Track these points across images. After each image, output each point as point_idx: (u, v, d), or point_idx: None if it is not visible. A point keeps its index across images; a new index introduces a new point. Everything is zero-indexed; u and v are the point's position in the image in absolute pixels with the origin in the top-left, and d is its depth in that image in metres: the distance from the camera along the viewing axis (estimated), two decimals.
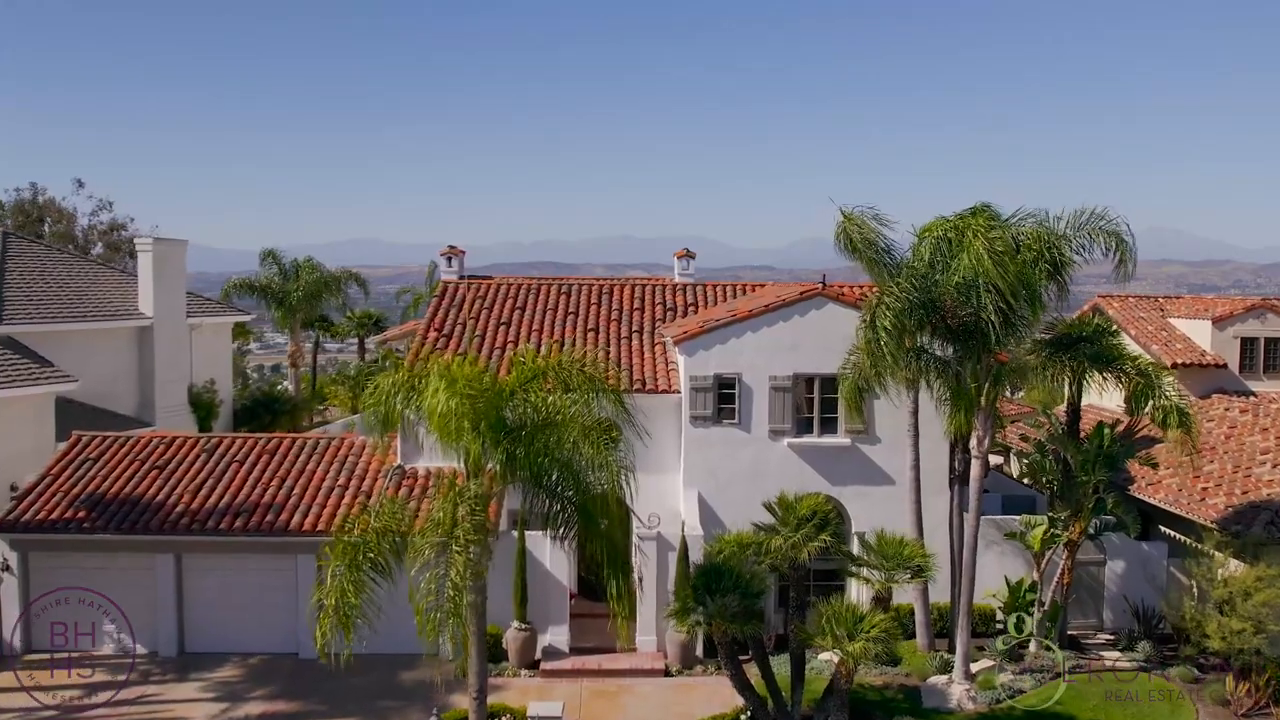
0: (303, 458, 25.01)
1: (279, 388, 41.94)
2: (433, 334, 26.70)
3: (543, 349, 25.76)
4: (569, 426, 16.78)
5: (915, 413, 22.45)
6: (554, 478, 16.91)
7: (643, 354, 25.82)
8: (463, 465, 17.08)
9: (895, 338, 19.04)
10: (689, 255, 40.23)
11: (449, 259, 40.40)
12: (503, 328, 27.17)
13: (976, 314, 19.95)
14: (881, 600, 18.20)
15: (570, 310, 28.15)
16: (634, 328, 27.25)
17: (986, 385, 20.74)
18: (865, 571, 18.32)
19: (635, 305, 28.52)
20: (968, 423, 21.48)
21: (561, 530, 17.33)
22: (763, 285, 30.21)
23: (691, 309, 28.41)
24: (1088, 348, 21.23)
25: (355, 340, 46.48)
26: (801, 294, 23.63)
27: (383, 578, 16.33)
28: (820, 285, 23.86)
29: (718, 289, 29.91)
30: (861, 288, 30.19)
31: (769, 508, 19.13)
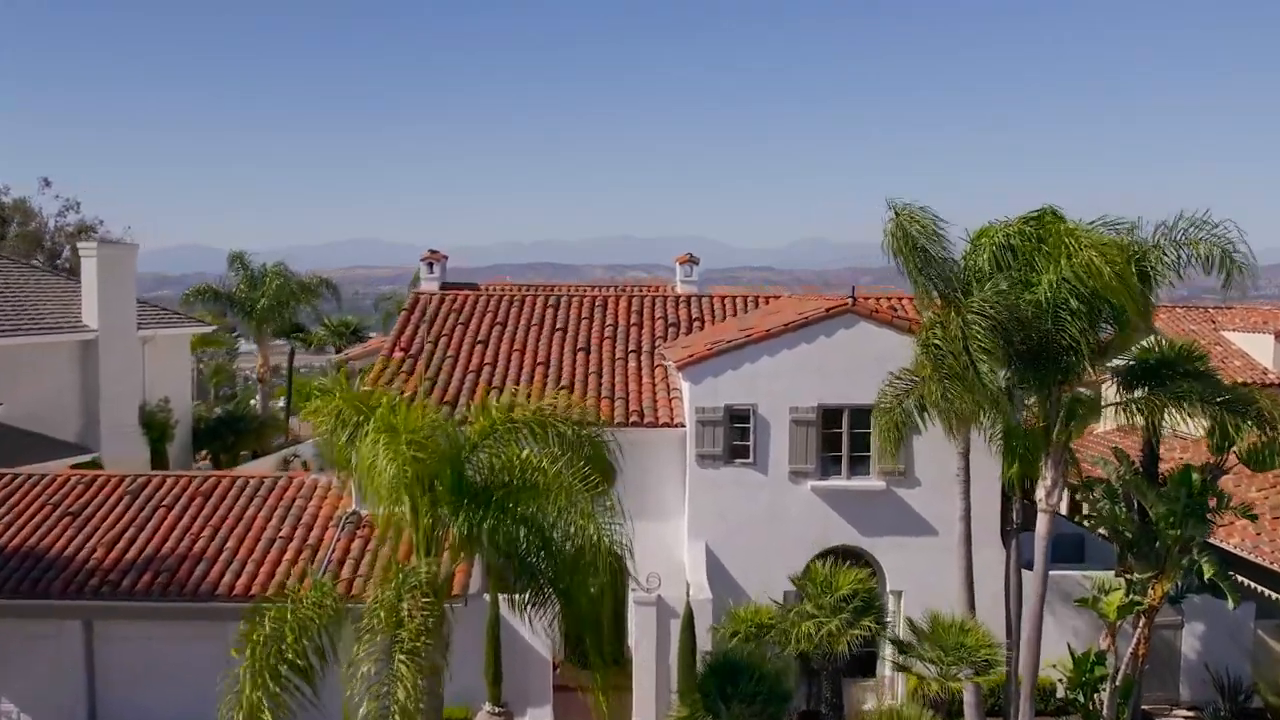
0: (242, 501, 21.00)
1: (251, 403, 38.06)
2: (397, 354, 22.74)
3: (523, 376, 21.85)
4: (549, 492, 12.93)
5: (966, 453, 18.48)
6: (530, 549, 13.12)
7: (640, 379, 21.85)
8: (412, 536, 13.26)
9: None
10: (692, 261, 36.26)
11: (430, 265, 36.46)
12: (479, 347, 23.19)
13: (1052, 336, 16.11)
14: (939, 705, 14.31)
15: (558, 326, 24.17)
16: (630, 346, 23.27)
17: (1059, 422, 16.87)
18: (918, 666, 14.45)
19: (632, 320, 24.55)
20: (1033, 466, 17.64)
21: (541, 610, 13.59)
22: (776, 296, 26.25)
23: (696, 324, 24.45)
24: (1184, 382, 17.23)
25: (334, 350, 42.60)
26: (828, 311, 19.68)
27: (306, 680, 12.51)
28: (849, 300, 19.91)
29: (725, 301, 25.93)
30: (889, 299, 26.28)
31: (798, 585, 15.23)
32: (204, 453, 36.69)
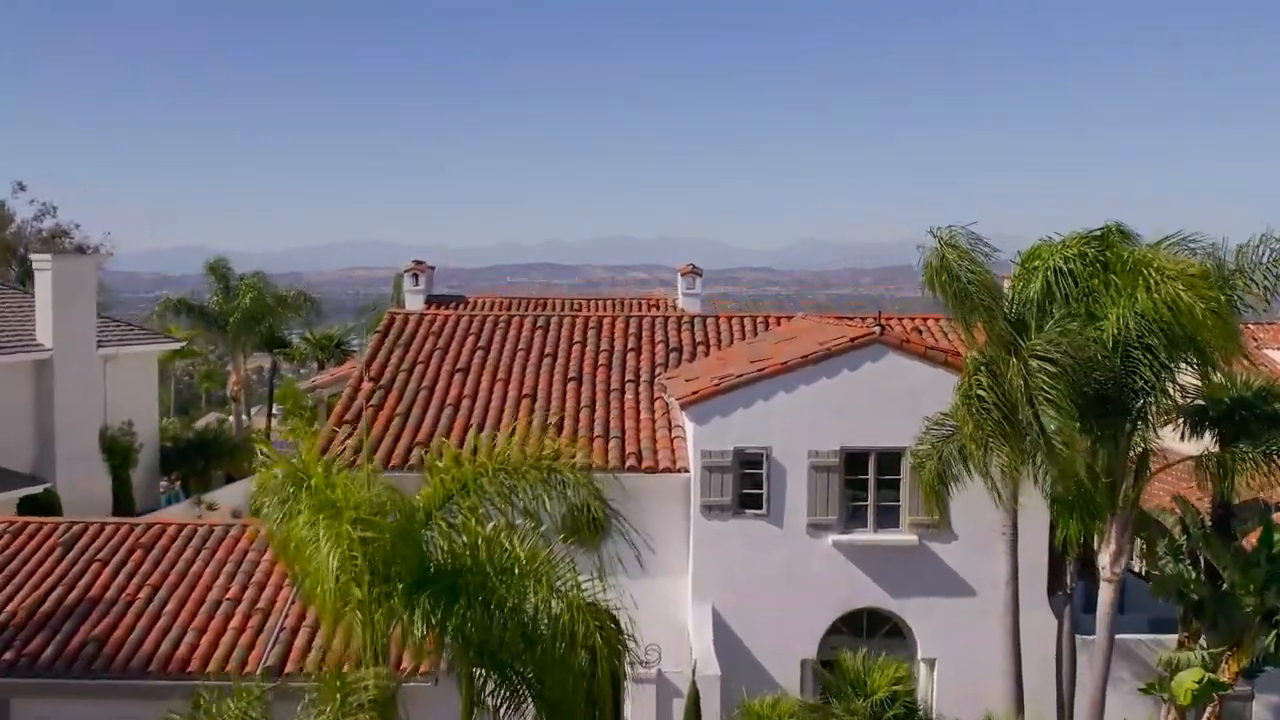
0: (188, 554, 18.36)
1: (226, 424, 35.54)
2: (366, 385, 20.18)
3: (507, 410, 19.31)
4: (528, 578, 10.48)
5: (1014, 509, 15.91)
6: (506, 647, 10.68)
7: (638, 414, 19.29)
8: (359, 634, 10.78)
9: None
10: (695, 272, 33.80)
11: (415, 276, 33.91)
12: (458, 376, 20.62)
13: (1121, 378, 13.61)
14: None
15: (547, 351, 21.59)
16: (627, 375, 20.70)
17: (1127, 476, 14.35)
18: None
19: (629, 344, 21.97)
20: (1092, 524, 15.15)
21: (517, 708, 11.20)
22: (788, 317, 23.65)
23: (701, 349, 21.87)
24: (1275, 432, 14.65)
25: (316, 365, 40.06)
26: (852, 341, 17.13)
27: None
28: (876, 329, 17.35)
29: (733, 322, 23.33)
30: (914, 319, 23.73)
31: (822, 678, 12.71)
32: (173, 477, 34.16)
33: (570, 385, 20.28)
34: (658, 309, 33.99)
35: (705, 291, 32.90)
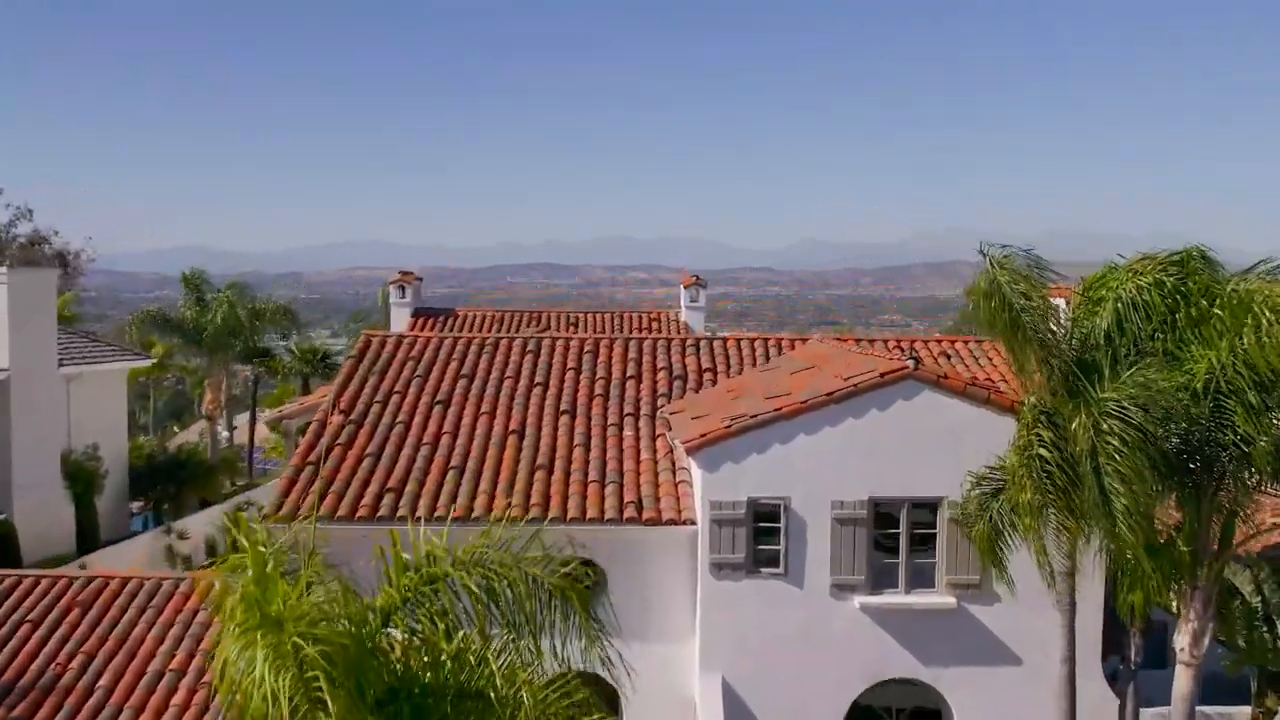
0: (130, 614, 16.18)
1: (202, 444, 33.23)
2: (335, 419, 17.97)
3: (490, 450, 17.13)
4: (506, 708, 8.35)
5: (1072, 573, 13.71)
6: None
7: (637, 454, 17.08)
8: None
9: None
10: (698, 283, 31.69)
11: (401, 288, 31.83)
12: (438, 409, 18.40)
13: (1208, 430, 11.45)
14: None
15: (537, 380, 19.38)
16: (626, 408, 18.50)
17: (1212, 542, 12.20)
18: None
19: (629, 371, 19.77)
20: (1162, 592, 13.00)
21: None
22: (804, 339, 21.42)
23: (707, 376, 19.67)
24: None
25: (300, 379, 37.84)
26: (883, 377, 14.92)
27: None
28: (910, 361, 15.13)
29: (742, 345, 21.11)
30: (938, 342, 21.56)
31: None
32: (145, 500, 31.98)
33: (563, 419, 18.08)
34: (659, 324, 31.91)
35: (707, 304, 31.04)
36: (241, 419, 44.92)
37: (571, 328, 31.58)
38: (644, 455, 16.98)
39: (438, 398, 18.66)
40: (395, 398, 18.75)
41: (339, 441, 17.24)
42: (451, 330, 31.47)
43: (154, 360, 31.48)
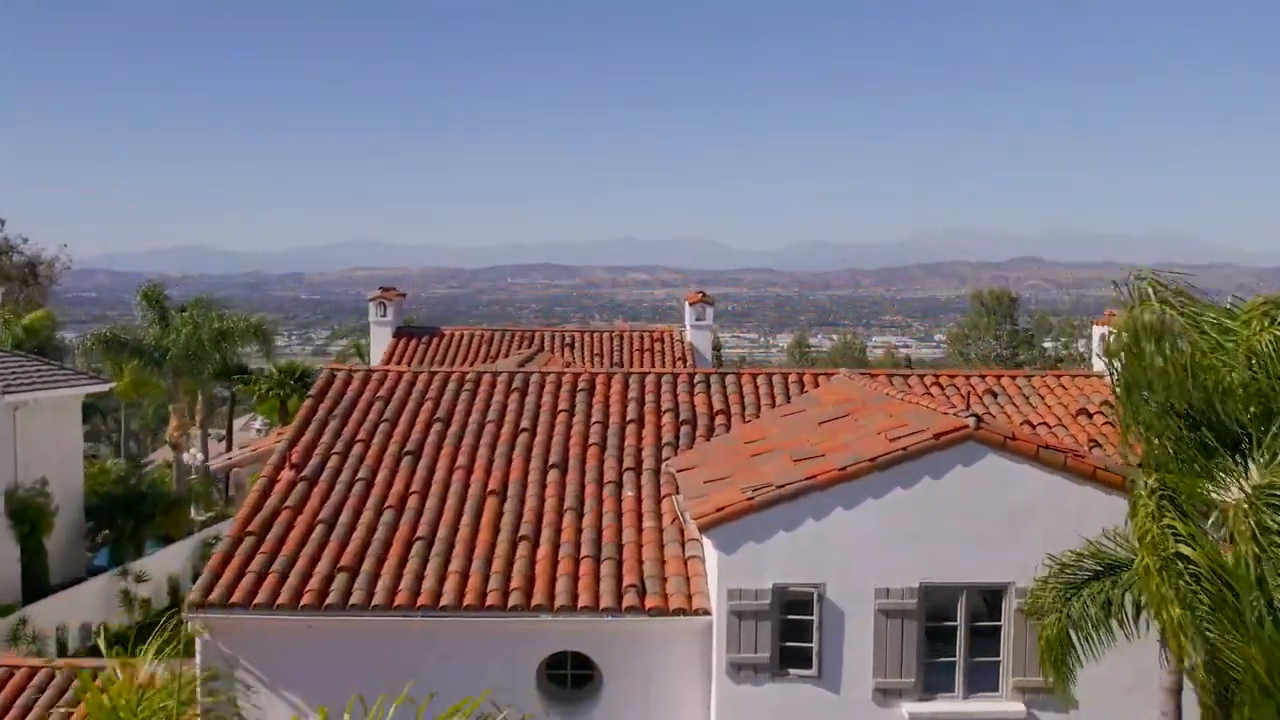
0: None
1: (166, 474, 30.49)
2: (285, 475, 15.21)
3: (465, 514, 14.40)
4: None
5: (1178, 688, 10.97)
6: None
7: (639, 520, 14.32)
8: None
9: None
10: (705, 300, 28.95)
11: (382, 305, 29.08)
12: (407, 461, 15.63)
13: None
14: None
15: (523, 426, 16.61)
16: (625, 460, 15.72)
17: None
18: None
19: (628, 414, 17.00)
20: None
21: None
22: (831, 373, 18.63)
23: (720, 419, 16.91)
24: None
25: (280, 401, 35.07)
26: (938, 438, 12.17)
27: None
28: (970, 418, 12.37)
29: (758, 381, 18.29)
30: (981, 376, 18.84)
31: None
32: (104, 534, 29.28)
33: (552, 474, 15.33)
34: (662, 345, 29.22)
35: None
36: (214, 447, 42.27)
37: (567, 348, 28.87)
38: (647, 522, 14.22)
39: (407, 447, 15.91)
40: (358, 446, 16.00)
41: (287, 504, 14.49)
42: (437, 352, 28.80)
43: (112, 386, 28.73)
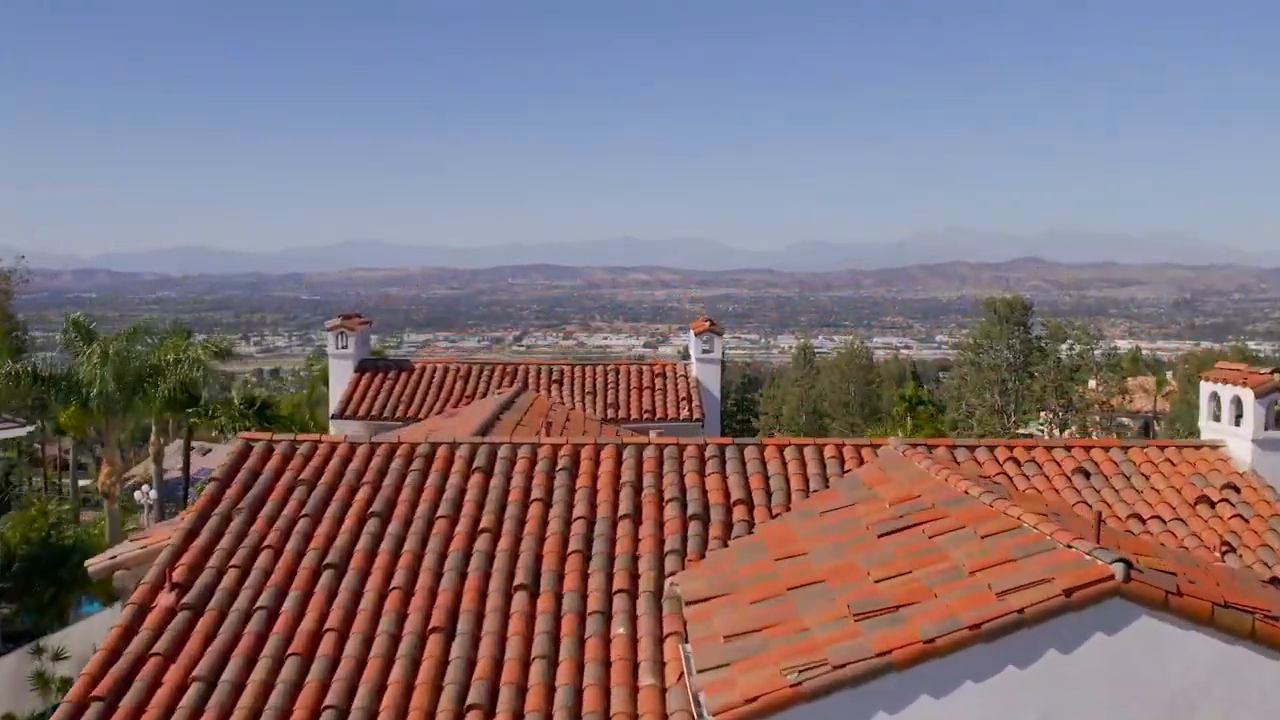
0: None
1: (96, 528, 26.42)
2: (164, 598, 11.28)
3: (394, 671, 10.45)
4: None
5: None
6: None
7: (633, 680, 10.27)
8: None
9: None
10: (713, 330, 25.04)
11: (340, 335, 25.20)
12: (326, 578, 11.61)
13: None
14: None
15: (483, 525, 12.66)
16: (615, 578, 11.75)
17: None
18: None
19: (620, 503, 13.03)
20: None
21: None
22: (874, 445, 14.63)
23: (740, 514, 12.98)
24: None
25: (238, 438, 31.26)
26: (1069, 595, 8.22)
27: None
28: (1117, 566, 8.41)
29: (785, 456, 14.30)
30: (1068, 447, 14.90)
31: None
32: (14, 608, 25.28)
33: (518, 598, 11.37)
34: (663, 380, 25.28)
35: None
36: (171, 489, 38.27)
37: (554, 385, 24.93)
38: (644, 679, 10.28)
39: (328, 559, 11.96)
40: (265, 555, 12.06)
41: (154, 650, 10.56)
42: (404, 389, 24.87)
43: (30, 429, 24.82)
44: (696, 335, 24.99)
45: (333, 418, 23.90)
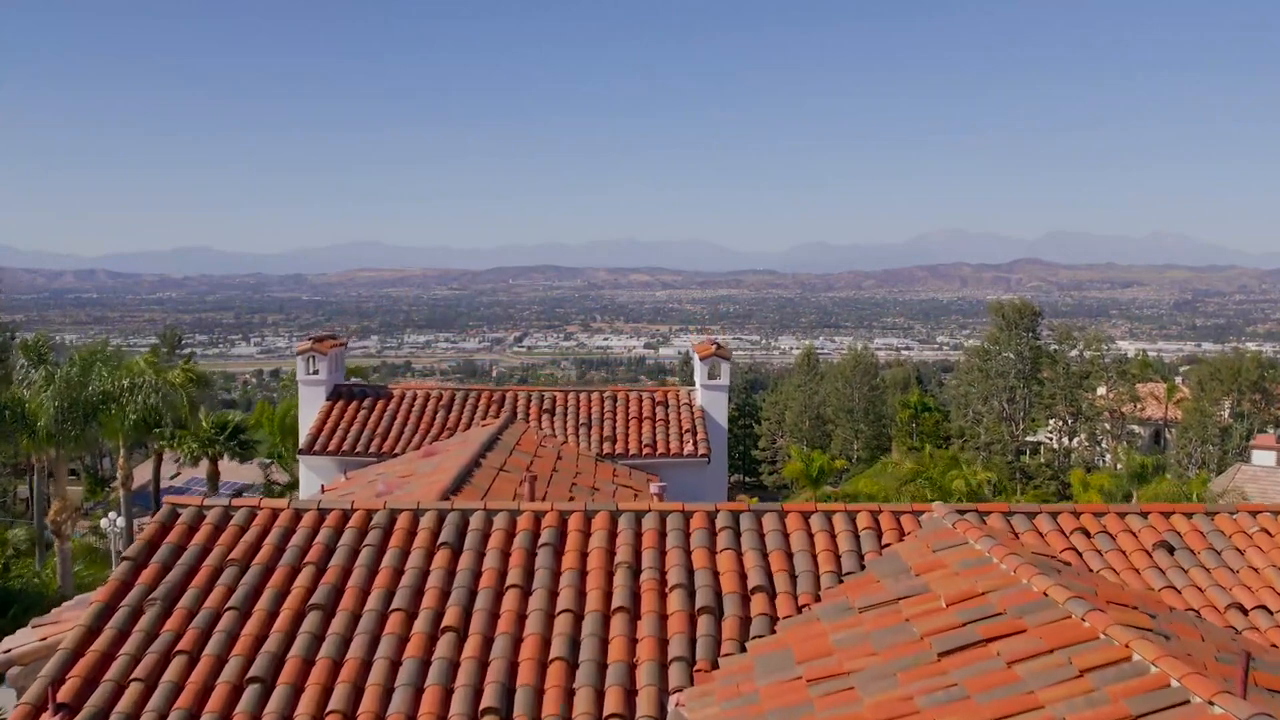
0: None
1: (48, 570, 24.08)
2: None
3: None
4: None
5: None
6: None
7: None
8: None
9: None
10: (719, 354, 22.66)
11: (309, 359, 22.85)
12: (249, 699, 9.42)
13: None
14: None
15: (446, 622, 10.35)
16: (607, 699, 9.44)
17: None
18: None
19: (613, 592, 10.73)
20: None
21: None
22: (913, 510, 12.29)
23: (758, 601, 10.66)
24: None
25: (207, 463, 28.84)
26: None
27: None
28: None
29: (812, 526, 11.99)
30: (1144, 514, 12.59)
31: None
32: None
33: None
34: (665, 408, 22.94)
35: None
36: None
37: (546, 414, 22.60)
38: None
39: (252, 670, 9.63)
40: (177, 664, 9.73)
41: None
42: (380, 420, 22.53)
43: None
44: (701, 360, 22.57)
45: (300, 453, 21.54)
